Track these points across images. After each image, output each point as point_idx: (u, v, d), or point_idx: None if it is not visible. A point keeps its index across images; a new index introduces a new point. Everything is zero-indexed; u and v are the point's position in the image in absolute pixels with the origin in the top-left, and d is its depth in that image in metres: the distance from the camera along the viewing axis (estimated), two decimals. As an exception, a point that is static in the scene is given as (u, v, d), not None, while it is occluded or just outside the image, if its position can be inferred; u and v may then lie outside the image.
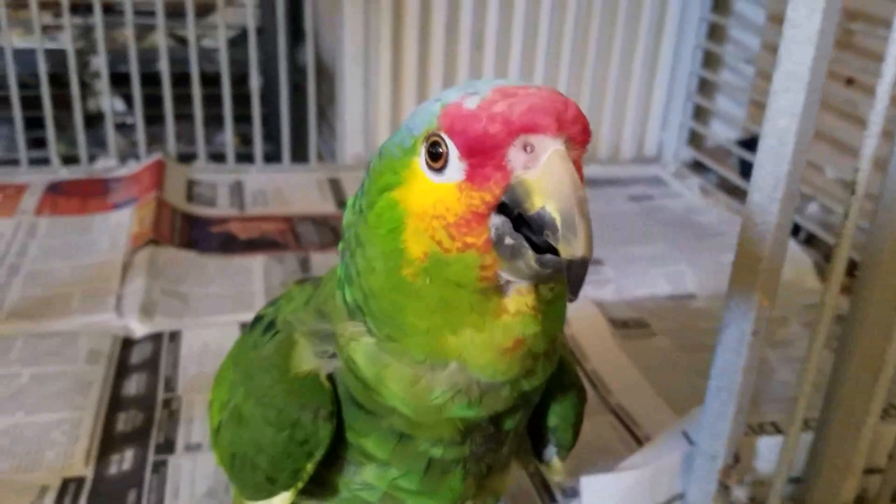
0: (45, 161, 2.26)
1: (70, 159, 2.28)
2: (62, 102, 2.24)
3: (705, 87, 2.52)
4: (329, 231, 2.01)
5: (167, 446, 1.26)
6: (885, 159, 1.02)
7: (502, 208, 0.59)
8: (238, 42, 2.38)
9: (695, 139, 2.56)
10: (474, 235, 0.59)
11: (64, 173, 2.22)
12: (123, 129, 2.48)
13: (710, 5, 2.40)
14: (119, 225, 1.93)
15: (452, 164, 0.60)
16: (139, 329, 1.55)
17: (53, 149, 2.24)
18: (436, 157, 0.60)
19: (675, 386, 1.49)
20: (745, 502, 1.12)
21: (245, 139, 2.49)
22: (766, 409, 1.37)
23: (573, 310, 0.68)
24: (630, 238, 2.05)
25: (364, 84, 2.36)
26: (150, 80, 2.27)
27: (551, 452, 0.85)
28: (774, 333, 1.65)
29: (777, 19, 2.21)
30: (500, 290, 0.61)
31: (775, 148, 0.93)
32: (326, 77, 2.52)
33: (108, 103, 2.31)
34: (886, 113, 0.92)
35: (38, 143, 2.29)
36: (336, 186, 2.28)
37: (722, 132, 2.50)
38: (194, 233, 1.95)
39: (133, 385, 1.40)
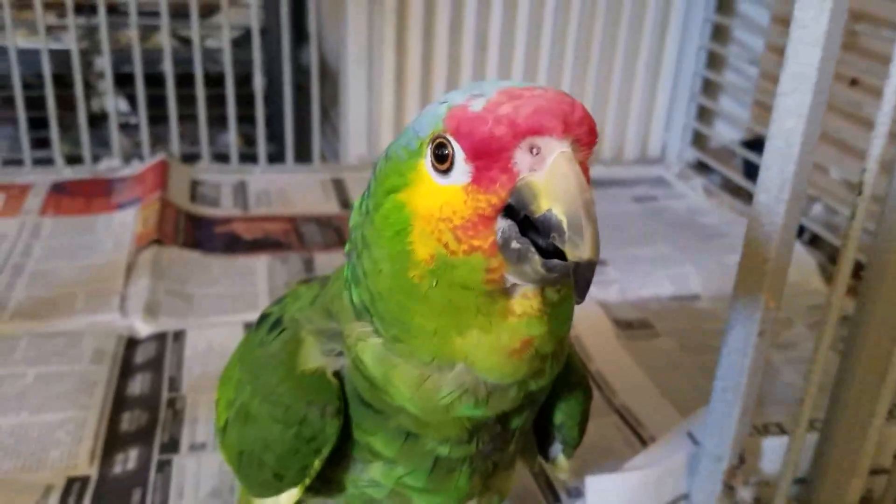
0: (48, 161, 2.26)
1: (74, 159, 2.28)
2: (66, 103, 2.25)
3: (709, 87, 2.51)
4: (333, 231, 2.01)
5: (171, 446, 1.26)
6: (892, 161, 1.02)
7: (509, 211, 0.59)
8: (242, 42, 2.39)
9: (698, 140, 2.56)
10: (480, 238, 0.59)
11: (68, 173, 2.22)
12: (127, 129, 2.48)
13: (714, 6, 2.39)
14: (123, 225, 1.93)
15: (458, 167, 0.60)
16: (143, 329, 1.55)
17: (57, 149, 2.25)
18: (442, 159, 0.60)
19: (679, 386, 1.49)
20: (750, 503, 1.11)
21: (248, 139, 2.49)
22: (770, 410, 1.37)
23: (577, 310, 0.68)
24: (634, 239, 2.05)
25: (367, 85, 2.36)
26: (154, 80, 2.27)
27: (557, 450, 0.86)
28: (779, 334, 1.64)
29: (781, 20, 2.21)
30: (506, 292, 0.61)
31: (782, 149, 0.93)
32: (330, 77, 2.53)
33: (112, 103, 2.31)
34: (894, 114, 0.92)
35: (41, 143, 2.29)
36: (339, 187, 2.28)
37: (726, 133, 2.50)
38: (198, 233, 1.96)
39: (137, 385, 1.40)
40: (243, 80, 2.36)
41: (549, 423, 0.83)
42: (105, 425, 1.30)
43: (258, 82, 2.32)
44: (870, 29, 1.82)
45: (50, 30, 2.25)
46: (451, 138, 0.60)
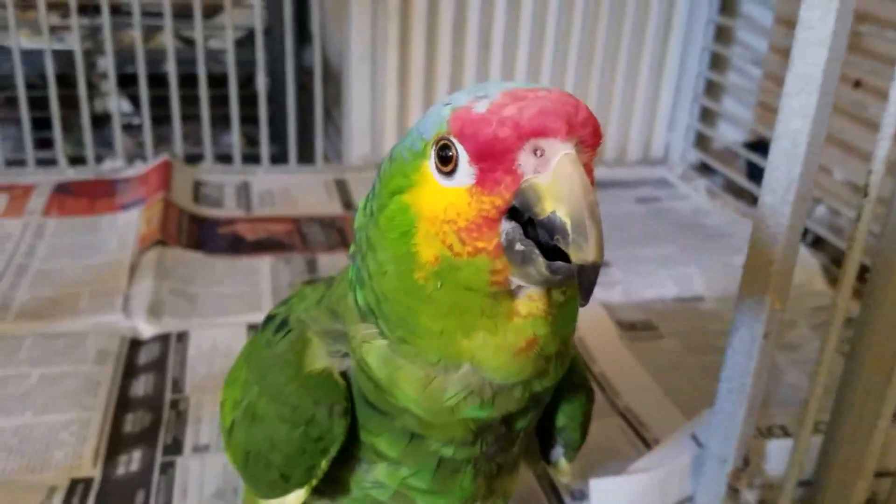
0: (52, 162, 2.26)
1: (77, 160, 2.28)
2: (69, 103, 2.25)
3: (712, 88, 2.51)
4: (336, 232, 2.01)
5: (175, 447, 1.26)
6: (897, 162, 1.01)
7: (513, 212, 0.59)
8: (245, 43, 2.39)
9: (702, 141, 2.56)
10: (485, 240, 0.59)
11: (71, 174, 2.22)
12: (130, 129, 2.48)
13: (717, 7, 2.39)
14: (127, 225, 1.93)
15: (463, 168, 0.60)
16: (147, 330, 1.55)
17: (61, 149, 2.25)
18: (446, 160, 0.60)
19: (683, 388, 1.49)
20: (755, 505, 1.11)
21: (251, 140, 2.49)
22: (774, 412, 1.37)
23: (581, 311, 0.68)
24: (637, 240, 2.05)
25: (371, 85, 2.36)
26: (157, 80, 2.28)
27: (558, 453, 0.85)
28: (783, 336, 1.64)
29: (784, 21, 2.21)
30: (511, 294, 0.61)
31: (788, 150, 0.93)
32: (333, 78, 2.53)
33: (116, 104, 2.31)
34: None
35: (45, 143, 2.30)
36: (343, 188, 2.28)
37: (729, 134, 2.50)
38: (202, 233, 1.96)
39: (141, 386, 1.40)
40: (246, 81, 2.36)
41: (552, 426, 0.83)
42: (109, 426, 1.30)
43: (261, 83, 2.32)
44: (874, 30, 1.82)
45: (53, 30, 2.25)
46: (455, 140, 0.60)
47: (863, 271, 1.04)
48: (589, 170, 0.59)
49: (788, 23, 2.19)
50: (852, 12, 0.88)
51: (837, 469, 1.12)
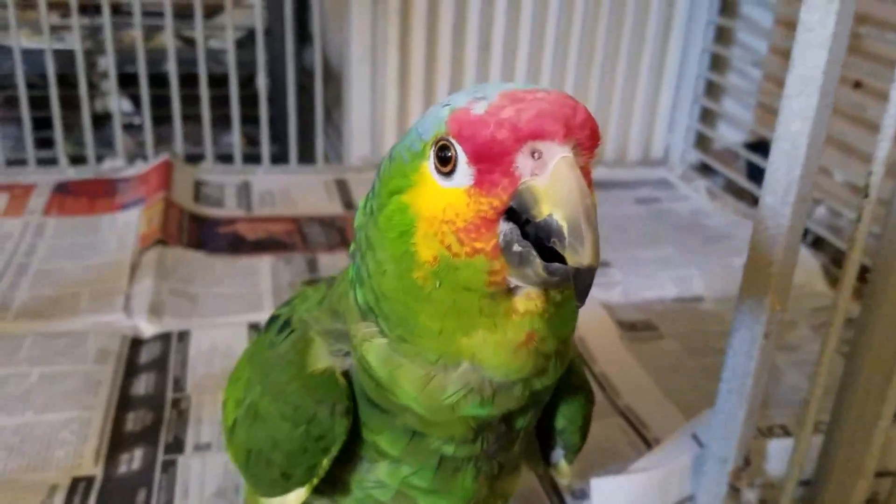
0: (52, 161, 2.26)
1: (78, 159, 2.28)
2: (70, 103, 2.25)
3: (712, 89, 2.52)
4: (336, 232, 2.01)
5: (176, 446, 1.26)
6: (897, 163, 1.02)
7: (511, 213, 0.59)
8: (245, 43, 2.39)
9: (702, 142, 2.56)
10: (483, 241, 0.59)
11: (71, 173, 2.22)
12: (131, 129, 2.48)
13: (717, 8, 2.40)
14: (127, 225, 1.93)
15: (461, 169, 0.60)
16: (148, 329, 1.55)
17: (61, 149, 2.25)
18: (445, 161, 0.61)
19: (683, 388, 1.49)
20: (755, 505, 1.12)
21: (251, 140, 2.49)
22: (774, 413, 1.37)
23: (581, 312, 0.68)
24: (637, 240, 2.05)
25: (371, 85, 2.36)
26: (158, 80, 2.28)
27: (558, 455, 0.85)
28: (782, 337, 1.64)
29: (784, 23, 2.22)
30: (509, 293, 0.61)
31: (788, 151, 0.93)
32: (333, 78, 2.53)
33: (116, 104, 2.31)
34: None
35: (45, 143, 2.30)
36: (343, 188, 2.28)
37: (729, 135, 2.50)
38: (202, 233, 1.96)
39: (142, 385, 1.40)
40: (247, 81, 2.36)
41: (551, 428, 0.83)
42: (110, 425, 1.30)
43: (262, 83, 2.33)
44: (874, 32, 1.82)
45: (54, 30, 2.25)
46: (453, 141, 0.60)
47: (863, 272, 1.04)
48: (587, 172, 0.60)
49: (788, 24, 2.19)
50: (852, 14, 0.88)
51: (838, 469, 1.12)
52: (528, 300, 0.61)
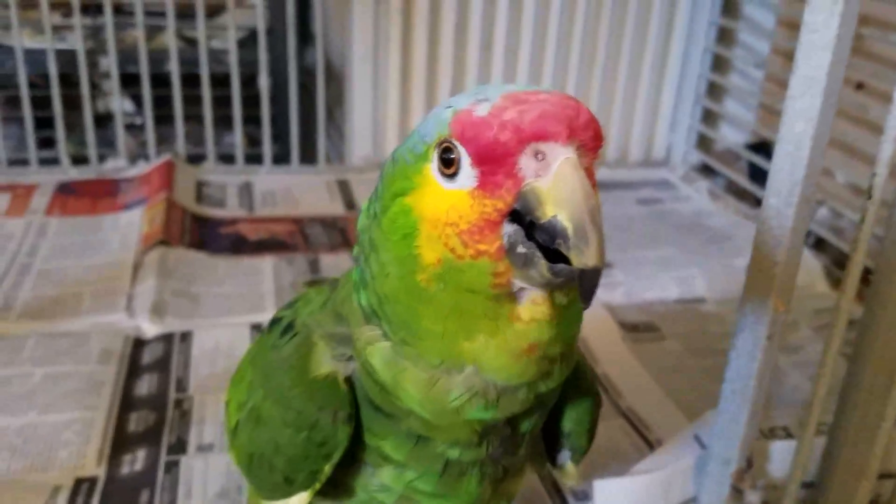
0: (54, 161, 2.26)
1: (80, 159, 2.29)
2: (72, 103, 2.25)
3: (714, 90, 2.52)
4: (338, 233, 2.01)
5: (179, 446, 1.26)
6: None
7: (515, 215, 0.59)
8: (247, 43, 2.39)
9: (703, 143, 2.56)
10: (487, 243, 0.59)
11: (73, 173, 2.23)
12: (133, 129, 2.49)
13: (719, 9, 2.40)
14: (129, 225, 1.93)
15: (464, 171, 0.60)
16: (150, 329, 1.55)
17: (63, 149, 2.25)
18: (448, 163, 0.60)
19: (685, 389, 1.49)
20: (758, 506, 1.12)
21: (253, 140, 2.49)
22: (776, 414, 1.37)
23: (583, 313, 0.68)
24: (639, 241, 2.05)
25: (373, 85, 2.36)
26: (160, 80, 2.28)
27: (565, 457, 0.85)
28: (785, 338, 1.64)
29: (786, 23, 2.21)
30: (514, 296, 0.61)
31: (792, 152, 0.93)
32: (335, 78, 2.53)
33: (118, 104, 2.31)
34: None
35: (47, 142, 2.30)
36: (345, 188, 2.28)
37: (731, 136, 2.50)
38: (204, 233, 1.96)
39: (144, 385, 1.41)
40: (248, 81, 2.36)
41: (558, 430, 0.83)
42: (112, 426, 1.30)
43: (263, 83, 2.33)
44: (876, 33, 1.82)
45: (56, 29, 2.25)
46: (456, 143, 0.60)
47: (865, 273, 1.04)
48: (590, 173, 0.60)
49: (790, 25, 2.19)
50: (856, 16, 0.88)
51: (840, 471, 1.12)
52: (533, 306, 0.61)
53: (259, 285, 1.74)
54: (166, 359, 1.48)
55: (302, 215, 2.10)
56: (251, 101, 2.33)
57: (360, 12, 2.28)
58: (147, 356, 1.49)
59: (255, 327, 1.58)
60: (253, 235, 1.97)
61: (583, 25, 2.40)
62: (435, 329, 0.63)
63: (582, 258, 0.55)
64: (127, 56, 2.27)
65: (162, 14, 2.24)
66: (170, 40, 2.23)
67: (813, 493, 1.17)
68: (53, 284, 1.68)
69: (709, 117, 2.54)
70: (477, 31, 2.36)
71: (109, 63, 2.26)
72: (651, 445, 1.34)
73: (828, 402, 1.07)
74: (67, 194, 2.10)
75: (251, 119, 2.37)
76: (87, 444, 1.25)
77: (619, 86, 2.53)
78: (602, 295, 1.76)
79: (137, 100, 2.41)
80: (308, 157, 2.43)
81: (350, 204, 2.19)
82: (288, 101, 2.34)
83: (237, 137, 2.35)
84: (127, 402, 1.36)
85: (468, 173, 0.60)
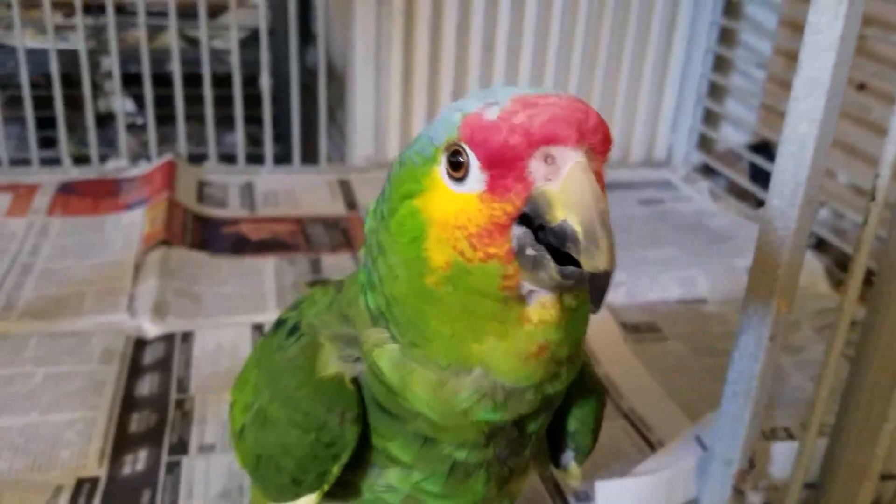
0: (56, 161, 2.26)
1: (81, 159, 2.29)
2: (73, 102, 2.25)
3: (716, 90, 2.51)
4: (339, 233, 2.01)
5: (181, 447, 1.26)
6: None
7: (524, 217, 0.59)
8: (249, 43, 2.39)
9: (705, 143, 2.56)
10: (496, 246, 0.59)
11: (75, 173, 2.23)
12: (134, 129, 2.49)
13: (721, 9, 2.39)
14: (131, 225, 1.93)
15: (473, 175, 0.60)
16: (152, 329, 1.55)
17: (64, 149, 2.25)
18: (457, 166, 0.60)
19: (687, 390, 1.49)
20: (760, 508, 1.12)
21: (255, 140, 2.49)
22: (777, 415, 1.37)
23: (583, 313, 0.68)
24: (641, 242, 2.05)
25: (374, 86, 2.36)
26: (161, 80, 2.28)
27: (569, 457, 0.85)
28: (787, 338, 1.64)
29: (789, 24, 2.21)
30: (522, 299, 0.61)
31: (795, 153, 0.93)
32: (337, 79, 2.53)
33: (120, 104, 2.31)
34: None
35: (49, 142, 2.30)
36: (346, 188, 2.28)
37: (732, 136, 2.50)
38: (206, 233, 1.96)
39: (146, 385, 1.41)
40: (250, 81, 2.36)
41: (562, 430, 0.83)
42: (114, 426, 1.30)
43: (265, 83, 2.33)
44: (879, 33, 1.82)
45: (58, 29, 2.25)
46: (465, 146, 0.60)
47: (867, 274, 1.04)
48: (599, 176, 0.60)
49: (793, 25, 2.19)
50: (860, 16, 0.88)
51: (843, 472, 1.12)
52: (542, 309, 0.61)
53: (261, 285, 1.74)
54: (168, 359, 1.48)
55: (303, 215, 2.10)
56: (253, 100, 2.34)
57: (362, 12, 2.28)
58: (149, 356, 1.49)
59: (257, 327, 1.58)
60: (254, 235, 1.97)
61: (585, 26, 2.40)
62: (444, 331, 0.63)
63: (592, 262, 0.55)
64: (128, 56, 2.27)
65: (164, 14, 2.24)
66: (171, 40, 2.23)
67: (815, 495, 1.17)
68: (55, 284, 1.68)
69: (710, 118, 2.54)
70: (479, 31, 2.36)
71: (111, 63, 2.26)
72: (652, 446, 1.34)
73: (830, 402, 1.07)
74: (69, 194, 2.10)
75: (253, 119, 2.37)
76: (88, 444, 1.25)
77: (620, 86, 2.53)
78: (604, 295, 1.76)
79: (139, 100, 2.41)
80: (309, 157, 2.43)
81: (352, 204, 2.19)
82: (289, 101, 2.34)
83: (239, 137, 2.35)
84: (128, 403, 1.36)
85: (477, 177, 0.60)
